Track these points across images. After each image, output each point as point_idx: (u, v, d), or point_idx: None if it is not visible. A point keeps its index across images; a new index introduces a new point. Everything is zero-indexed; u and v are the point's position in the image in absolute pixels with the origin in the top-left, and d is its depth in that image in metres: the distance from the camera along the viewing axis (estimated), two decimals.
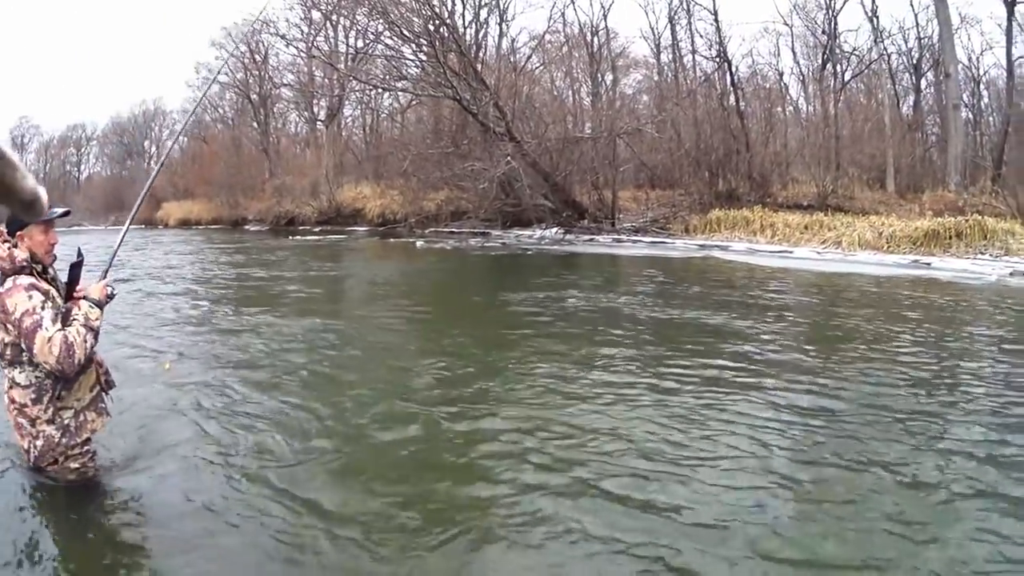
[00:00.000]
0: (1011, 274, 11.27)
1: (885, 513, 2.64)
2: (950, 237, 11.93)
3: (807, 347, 5.54)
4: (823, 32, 19.75)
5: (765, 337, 5.83)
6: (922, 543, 2.44)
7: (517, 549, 2.43)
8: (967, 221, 12.42)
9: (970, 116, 17.98)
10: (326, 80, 28.01)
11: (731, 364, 4.82)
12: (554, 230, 16.56)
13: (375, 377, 4.72)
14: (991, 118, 17.93)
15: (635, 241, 14.81)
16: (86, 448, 2.67)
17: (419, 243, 17.15)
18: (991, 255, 12.21)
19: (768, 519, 2.60)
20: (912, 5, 24.08)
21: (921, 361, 5.10)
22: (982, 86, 18.52)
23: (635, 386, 4.27)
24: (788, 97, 19.21)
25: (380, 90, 24.73)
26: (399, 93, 23.77)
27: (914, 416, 3.75)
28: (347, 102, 29.94)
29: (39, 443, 2.55)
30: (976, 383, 4.52)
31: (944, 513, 2.70)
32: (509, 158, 15.54)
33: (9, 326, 2.43)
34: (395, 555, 2.38)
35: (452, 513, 2.65)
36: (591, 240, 15.46)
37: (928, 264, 11.26)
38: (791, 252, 11.69)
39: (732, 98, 16.54)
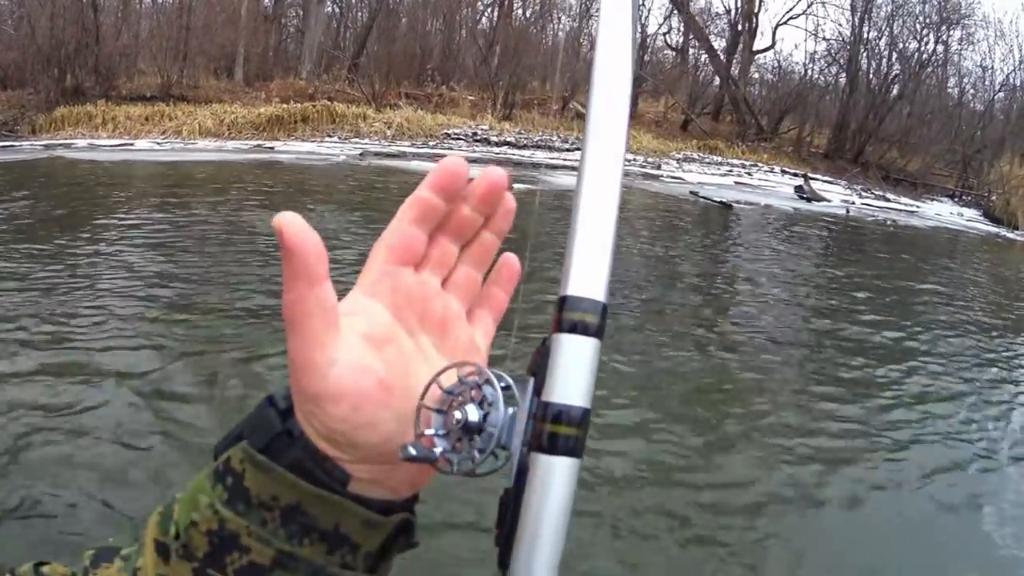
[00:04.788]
0: (361, 154, 15.09)
1: None
2: (296, 122, 15.12)
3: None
4: None
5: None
6: None
7: None
8: (315, 107, 15.90)
9: (336, 9, 22.44)
10: None
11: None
12: None
13: None
14: (360, 13, 22.76)
15: None
16: None
17: None
18: (340, 137, 15.99)
19: None
20: None
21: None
22: None
23: None
24: None
25: None
26: None
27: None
28: None
29: None
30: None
31: None
32: None
33: None
34: None
35: None
36: None
37: (271, 148, 14.08)
38: (132, 144, 13.08)
39: None
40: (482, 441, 0.37)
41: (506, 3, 20.79)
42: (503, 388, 0.38)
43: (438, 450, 0.37)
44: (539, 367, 0.38)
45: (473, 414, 0.37)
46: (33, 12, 16.54)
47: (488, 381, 0.38)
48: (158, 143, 13.41)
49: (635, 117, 21.85)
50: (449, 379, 0.38)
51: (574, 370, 0.37)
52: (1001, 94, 25.41)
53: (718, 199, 14.65)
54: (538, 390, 0.37)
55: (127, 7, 17.74)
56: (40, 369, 4.03)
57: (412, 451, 0.35)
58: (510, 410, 0.37)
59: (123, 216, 8.23)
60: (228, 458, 0.36)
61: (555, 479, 0.36)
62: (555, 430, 0.36)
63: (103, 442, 3.38)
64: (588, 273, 0.38)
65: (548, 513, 0.36)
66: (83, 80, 15.82)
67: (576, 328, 0.37)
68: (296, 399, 0.35)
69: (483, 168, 0.40)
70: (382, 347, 0.37)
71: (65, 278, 5.69)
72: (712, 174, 18.85)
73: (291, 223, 0.33)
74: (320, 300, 0.34)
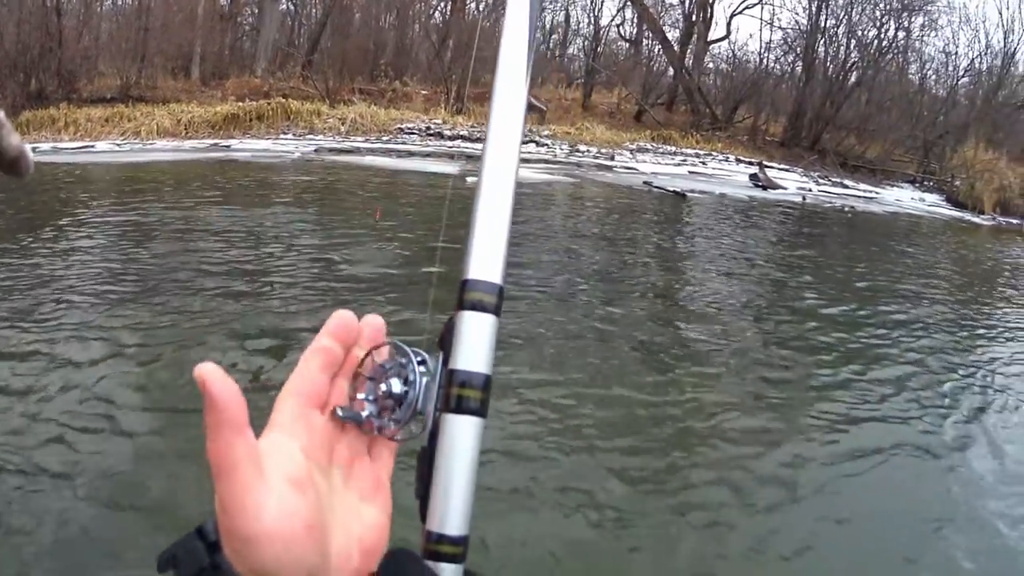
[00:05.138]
0: (315, 150, 15.80)
1: None
2: (251, 120, 16.03)
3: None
4: None
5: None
6: None
7: None
8: (270, 104, 16.78)
9: (291, 6, 23.40)
10: None
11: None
12: None
13: None
14: (314, 10, 23.60)
15: None
16: None
17: None
18: (295, 134, 16.86)
19: None
20: None
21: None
22: None
23: None
24: None
25: None
26: None
27: None
28: None
29: None
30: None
31: None
32: None
33: None
34: None
35: None
36: None
37: (228, 146, 14.97)
38: (93, 147, 13.85)
39: None
40: (402, 412, 0.44)
41: None
42: (419, 362, 0.45)
43: (364, 414, 0.44)
44: (446, 341, 0.45)
45: (396, 387, 0.45)
46: (2, 19, 17.06)
47: (408, 357, 0.45)
48: (118, 144, 14.14)
49: (588, 109, 22.80)
50: (380, 356, 0.46)
51: (476, 343, 0.45)
52: (966, 79, 26.31)
53: (672, 188, 15.04)
54: (447, 361, 0.45)
55: (88, 10, 18.46)
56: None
57: (340, 412, 0.44)
58: (425, 380, 0.45)
59: (84, 217, 8.74)
60: None
61: (463, 436, 0.44)
62: (461, 393, 0.44)
63: (61, 436, 3.56)
64: (486, 259, 0.46)
65: (458, 466, 0.44)
66: (46, 84, 16.46)
67: (476, 306, 0.45)
68: (226, 539, 0.38)
69: (364, 318, 0.46)
70: (304, 490, 0.40)
71: (28, 275, 6.14)
72: (666, 164, 19.41)
73: (213, 374, 0.36)
74: (247, 447, 0.37)
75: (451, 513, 0.44)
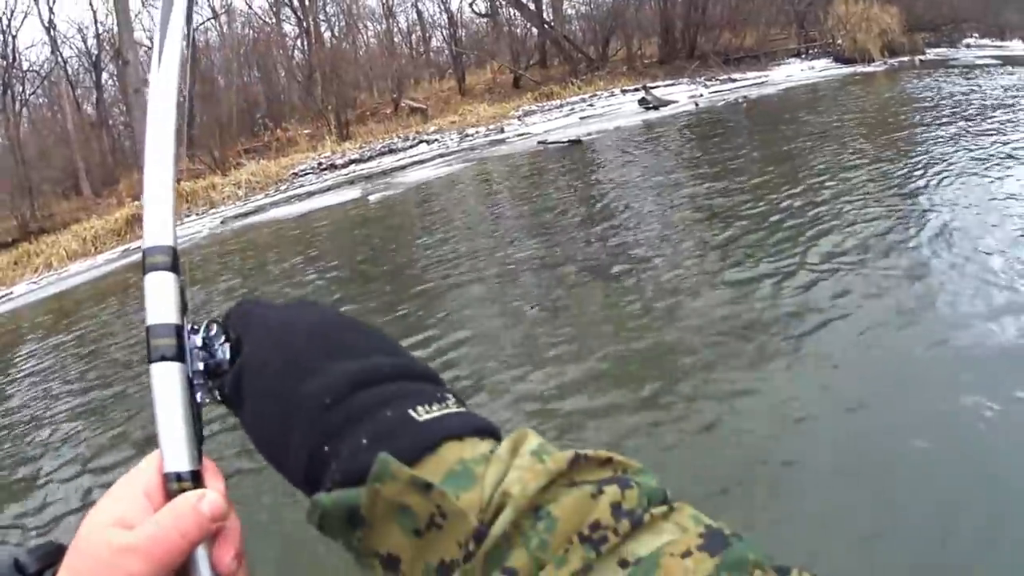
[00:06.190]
0: (222, 222, 16.21)
1: None
2: None
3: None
4: (1, 57, 22.22)
5: None
6: None
7: None
8: None
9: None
10: None
11: None
12: None
13: None
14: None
15: None
16: None
17: None
18: (197, 213, 17.44)
19: None
20: (91, 3, 28.02)
21: None
22: None
23: None
24: None
25: None
26: None
27: None
28: None
29: None
30: None
31: None
32: None
33: None
34: None
35: None
36: None
37: (138, 248, 15.50)
38: (12, 293, 14.17)
39: None
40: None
41: (312, 30, 22.34)
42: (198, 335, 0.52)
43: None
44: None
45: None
46: None
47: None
48: (35, 282, 14.47)
49: (466, 93, 23.63)
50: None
51: (160, 298, 0.50)
52: None
53: (567, 139, 15.41)
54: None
55: None
56: None
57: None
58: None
59: (20, 362, 9.22)
60: None
61: (166, 380, 0.48)
62: (156, 343, 0.49)
63: None
64: (157, 227, 0.53)
65: (169, 407, 0.48)
66: None
67: (155, 267, 0.51)
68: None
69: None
70: None
71: None
72: (555, 118, 19.82)
73: (220, 503, 0.47)
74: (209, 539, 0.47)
75: (176, 452, 0.48)
